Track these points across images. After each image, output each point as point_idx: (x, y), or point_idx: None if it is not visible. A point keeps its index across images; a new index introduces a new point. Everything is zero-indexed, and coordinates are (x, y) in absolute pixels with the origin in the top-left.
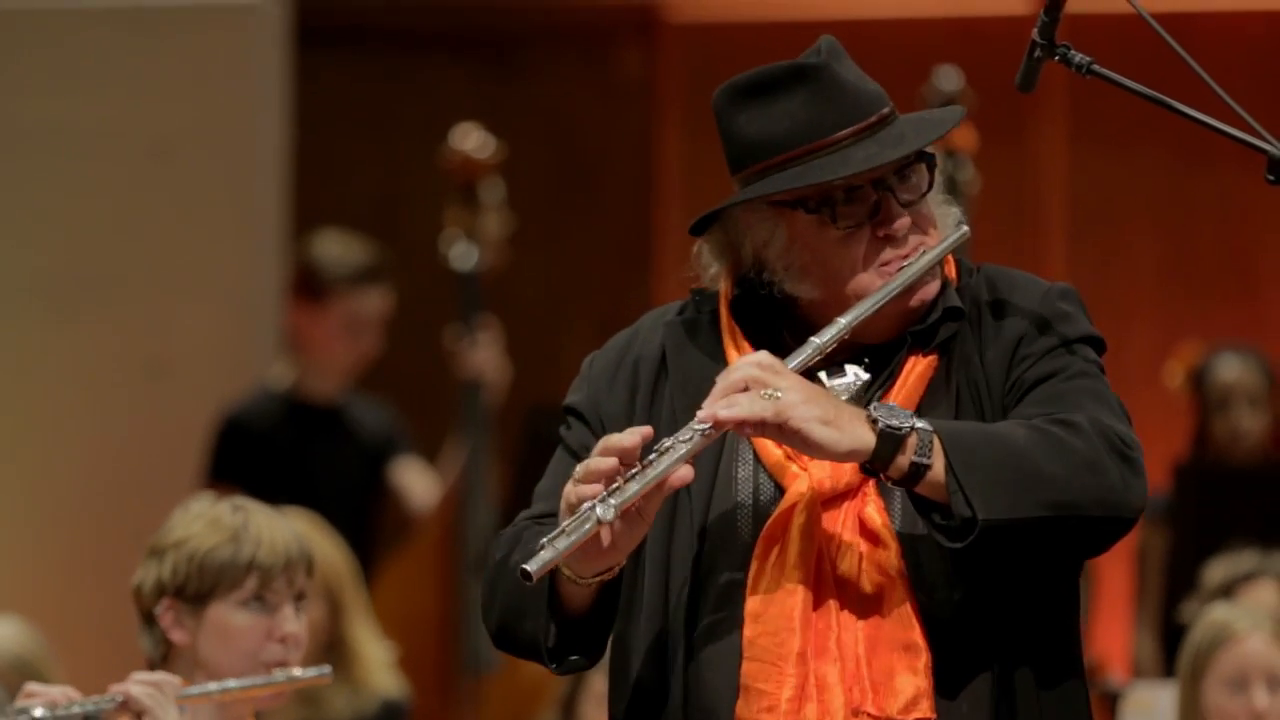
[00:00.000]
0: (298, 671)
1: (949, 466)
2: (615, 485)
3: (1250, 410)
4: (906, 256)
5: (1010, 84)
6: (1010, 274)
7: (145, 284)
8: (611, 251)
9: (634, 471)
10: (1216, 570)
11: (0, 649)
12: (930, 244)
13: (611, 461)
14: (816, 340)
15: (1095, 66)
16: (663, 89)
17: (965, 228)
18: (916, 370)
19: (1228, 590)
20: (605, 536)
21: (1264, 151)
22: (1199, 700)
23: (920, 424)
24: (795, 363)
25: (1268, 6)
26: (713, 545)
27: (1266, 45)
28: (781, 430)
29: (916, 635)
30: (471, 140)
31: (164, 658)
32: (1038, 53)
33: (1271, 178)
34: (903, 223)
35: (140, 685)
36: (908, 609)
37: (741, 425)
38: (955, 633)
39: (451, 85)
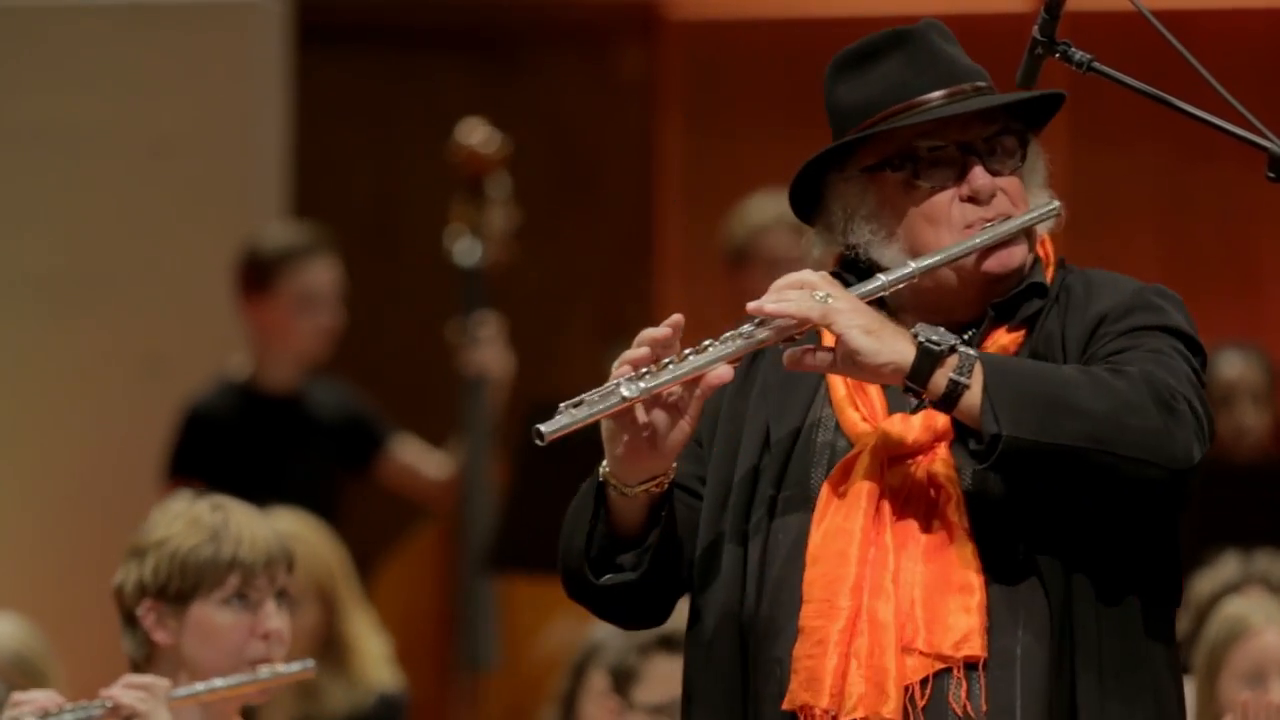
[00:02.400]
0: (282, 667)
1: (985, 386)
2: (647, 370)
3: (1253, 407)
4: (990, 221)
5: (1011, 81)
6: (1110, 274)
7: (144, 281)
8: (611, 249)
9: (669, 361)
10: (1203, 584)
11: (0, 647)
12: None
13: (643, 350)
14: (883, 277)
15: (1096, 64)
16: (663, 86)
17: (1057, 202)
18: (999, 344)
19: (1215, 605)
20: (639, 416)
21: (1265, 149)
22: (1216, 694)
23: (965, 349)
24: (857, 290)
25: (1268, 4)
26: (786, 505)
27: (1267, 43)
28: (828, 333)
29: (973, 576)
30: (477, 135)
31: (147, 658)
32: (1038, 50)
33: (1272, 175)
34: (985, 183)
35: (130, 690)
36: (967, 554)
37: (787, 321)
38: (1014, 577)
39: (452, 82)
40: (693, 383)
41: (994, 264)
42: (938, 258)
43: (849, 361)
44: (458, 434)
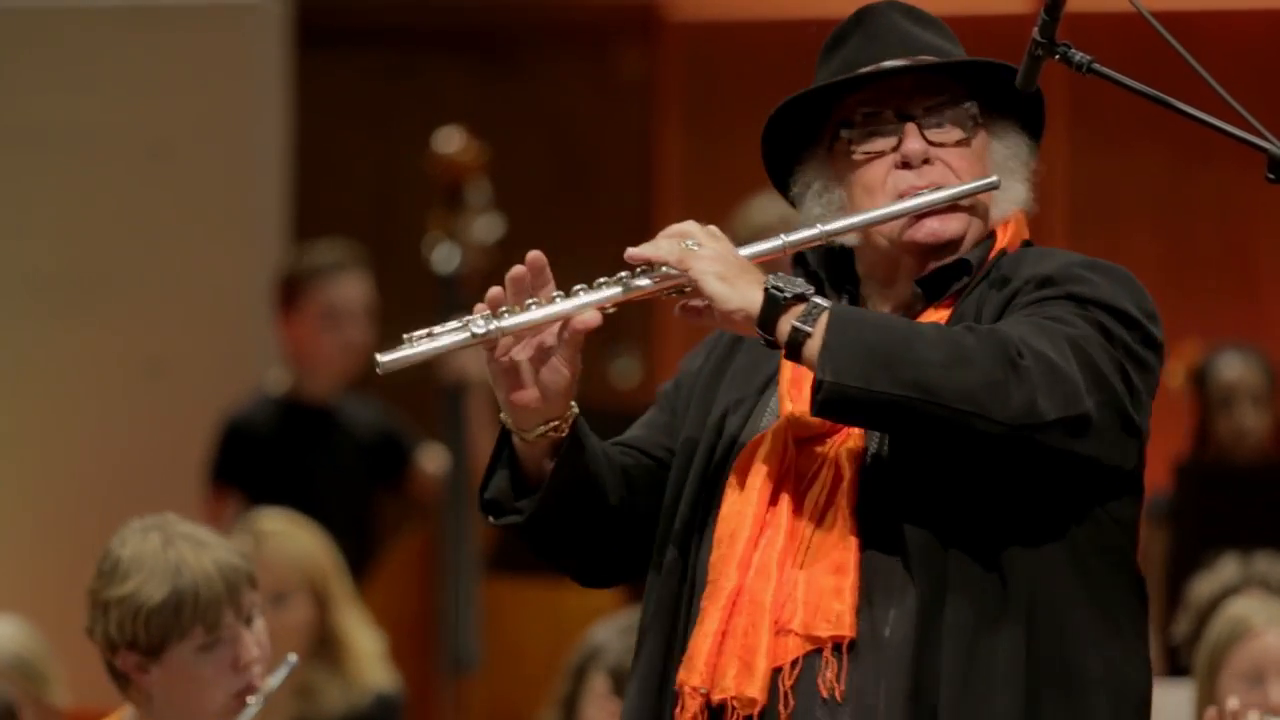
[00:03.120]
0: (272, 682)
1: (824, 334)
2: (506, 310)
3: (1253, 409)
4: (921, 189)
5: (1010, 82)
6: (1055, 250)
7: (145, 283)
8: (610, 250)
9: (533, 302)
10: (1201, 587)
11: (0, 649)
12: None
13: (497, 290)
14: (785, 237)
15: (1095, 65)
16: (662, 87)
17: (995, 178)
18: (927, 321)
19: (1215, 608)
20: (510, 360)
21: (1264, 150)
22: (1216, 695)
23: (819, 299)
24: (751, 249)
25: (1268, 5)
26: (719, 484)
27: (1267, 44)
28: (685, 280)
29: (849, 556)
30: (455, 143)
31: (135, 694)
32: (1038, 51)
33: (1272, 176)
34: (916, 148)
35: None
36: (848, 534)
37: (648, 263)
38: (892, 558)
39: (451, 84)
40: (563, 327)
41: (920, 233)
42: (856, 220)
43: (706, 302)
44: (438, 440)
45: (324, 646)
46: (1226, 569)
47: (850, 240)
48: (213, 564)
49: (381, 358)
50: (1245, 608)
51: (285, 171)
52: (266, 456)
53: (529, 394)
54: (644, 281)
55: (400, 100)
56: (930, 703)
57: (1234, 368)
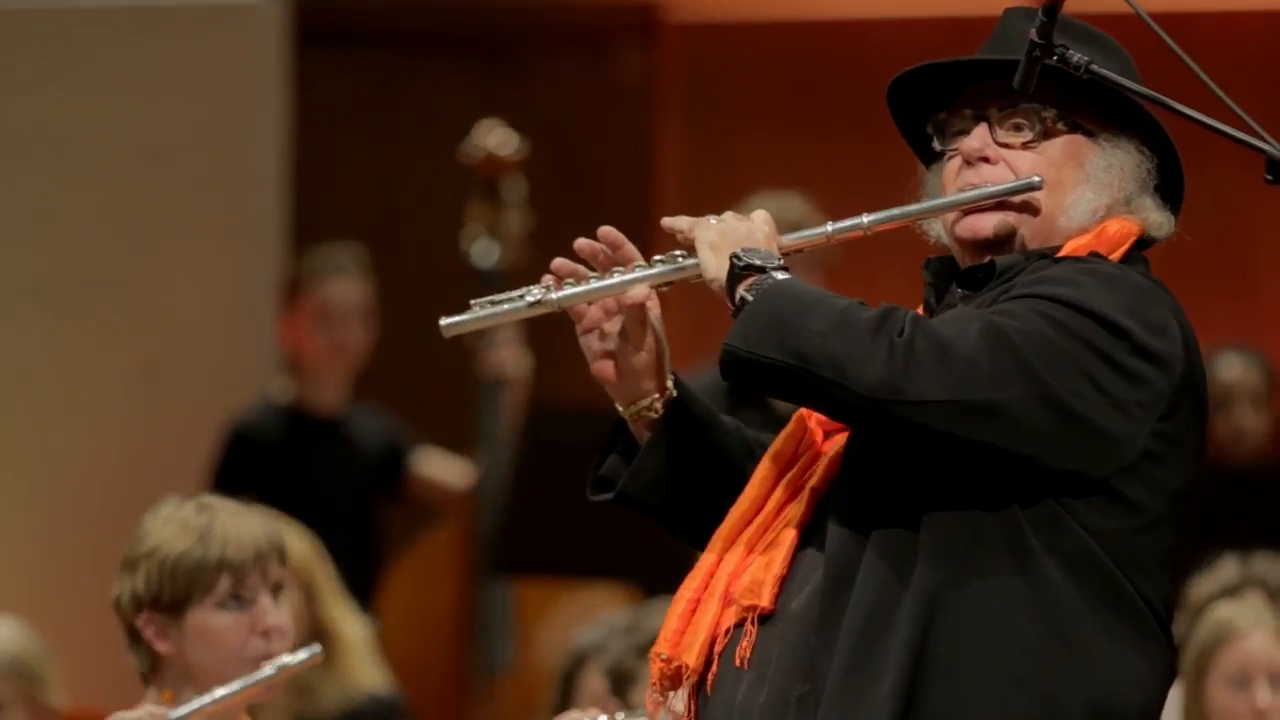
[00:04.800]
0: (288, 658)
1: (751, 302)
2: (569, 280)
3: (1252, 410)
4: (974, 186)
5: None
6: (1095, 261)
7: (143, 285)
8: None
9: (594, 275)
10: (1201, 586)
11: None
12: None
13: (562, 260)
14: (829, 226)
15: (1093, 66)
16: (663, 89)
17: (1038, 177)
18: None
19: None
20: (599, 334)
21: (1262, 151)
22: (1202, 699)
23: (778, 273)
24: (795, 236)
25: (1267, 7)
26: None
27: (1265, 45)
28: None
29: (788, 532)
30: (495, 137)
31: (153, 668)
32: (1036, 52)
33: (1270, 178)
34: (974, 145)
35: None
36: (797, 511)
37: (671, 232)
38: (820, 540)
39: (451, 85)
40: (625, 307)
41: (962, 229)
42: (885, 214)
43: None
44: (475, 437)
45: (314, 639)
46: (1225, 570)
47: (935, 233)
48: (245, 527)
49: (445, 321)
50: (1231, 611)
51: (284, 174)
52: (269, 465)
53: (606, 369)
54: (694, 260)
55: (400, 102)
56: (820, 676)
57: (1232, 369)
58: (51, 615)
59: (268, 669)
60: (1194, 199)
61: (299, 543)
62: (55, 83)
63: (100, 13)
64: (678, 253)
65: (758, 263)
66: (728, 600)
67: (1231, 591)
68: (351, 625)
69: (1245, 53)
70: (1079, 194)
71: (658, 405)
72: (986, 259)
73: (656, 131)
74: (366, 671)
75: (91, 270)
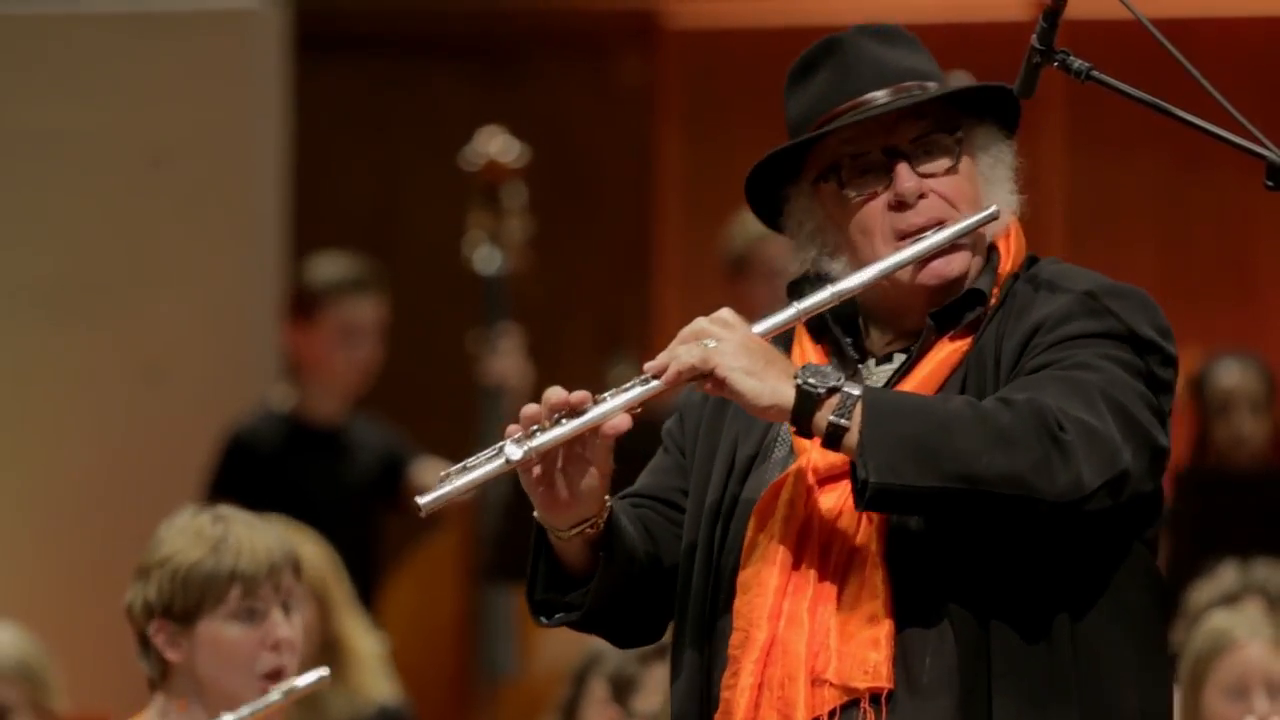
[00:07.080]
0: (297, 682)
1: (860, 430)
2: (536, 428)
3: (1252, 415)
4: (924, 229)
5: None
6: (1070, 268)
7: (144, 290)
8: (611, 258)
9: (561, 416)
10: (1201, 594)
11: (1, 655)
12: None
13: (535, 407)
14: (798, 304)
15: (1094, 72)
16: (662, 95)
17: (995, 208)
18: (942, 354)
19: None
20: (541, 472)
21: (1263, 157)
22: (1200, 708)
23: (850, 387)
24: (766, 324)
25: (1267, 13)
26: (736, 527)
27: (1265, 51)
28: (711, 379)
29: (880, 606)
30: (495, 144)
31: (163, 676)
32: (1037, 58)
33: (1270, 183)
34: (910, 185)
35: None
36: (877, 582)
37: (674, 374)
38: (926, 605)
39: (451, 91)
40: (593, 433)
41: (928, 276)
42: (863, 276)
43: (736, 399)
44: (476, 444)
45: (326, 651)
46: (1225, 576)
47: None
48: (259, 538)
49: (422, 500)
50: (1228, 620)
51: (284, 178)
52: (268, 473)
53: (562, 497)
54: (669, 376)
55: (399, 107)
56: None
57: (1232, 374)
58: (52, 620)
59: (274, 694)
60: (1195, 205)
61: (315, 555)
62: (56, 87)
63: (101, 18)
64: (646, 373)
65: (831, 384)
66: (816, 679)
67: (1231, 598)
68: (364, 639)
69: (1246, 59)
70: (992, 200)
71: (600, 522)
72: (955, 294)
73: (656, 138)
74: (378, 686)
75: (92, 275)
